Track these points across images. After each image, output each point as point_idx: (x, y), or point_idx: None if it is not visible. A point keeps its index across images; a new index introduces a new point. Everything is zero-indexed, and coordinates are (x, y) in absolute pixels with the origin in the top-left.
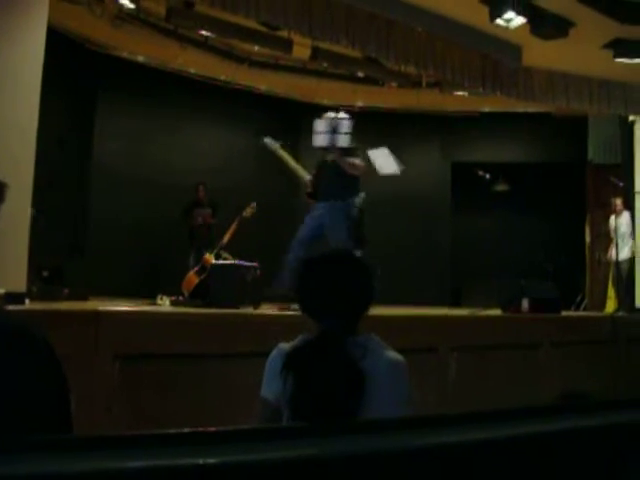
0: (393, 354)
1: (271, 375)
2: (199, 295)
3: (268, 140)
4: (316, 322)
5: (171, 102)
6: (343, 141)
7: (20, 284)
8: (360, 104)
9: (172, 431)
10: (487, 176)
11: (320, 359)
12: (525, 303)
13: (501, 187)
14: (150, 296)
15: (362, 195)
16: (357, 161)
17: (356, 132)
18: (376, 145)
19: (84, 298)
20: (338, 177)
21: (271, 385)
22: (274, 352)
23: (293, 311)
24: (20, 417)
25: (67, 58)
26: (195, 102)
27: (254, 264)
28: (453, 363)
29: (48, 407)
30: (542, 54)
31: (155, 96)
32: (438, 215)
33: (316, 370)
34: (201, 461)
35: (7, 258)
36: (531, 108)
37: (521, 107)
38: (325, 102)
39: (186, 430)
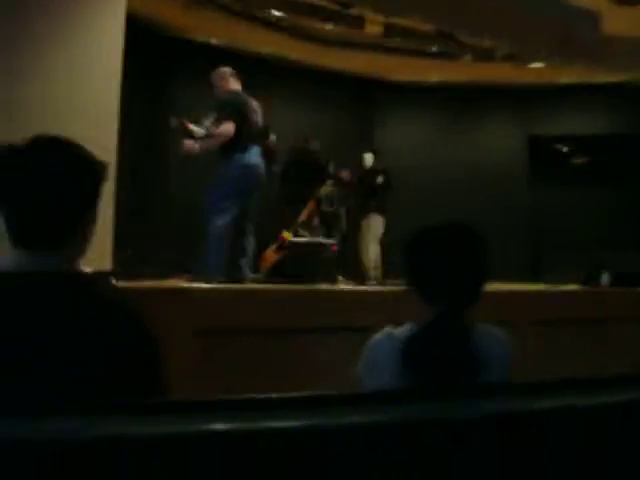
0: (507, 341)
1: (378, 365)
2: (277, 272)
3: (174, 121)
4: (428, 304)
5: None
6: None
7: (106, 263)
8: (434, 79)
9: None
10: (565, 149)
11: (443, 350)
12: (605, 277)
13: (580, 160)
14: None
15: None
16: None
17: (430, 107)
18: (452, 120)
19: (167, 276)
20: None
21: (378, 376)
22: (380, 339)
23: (370, 287)
24: (115, 380)
25: (143, 44)
26: (268, 83)
27: (330, 241)
28: (531, 337)
29: (140, 373)
30: (621, 21)
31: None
32: (515, 189)
33: (439, 363)
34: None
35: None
36: (610, 78)
37: (599, 77)
38: (399, 78)
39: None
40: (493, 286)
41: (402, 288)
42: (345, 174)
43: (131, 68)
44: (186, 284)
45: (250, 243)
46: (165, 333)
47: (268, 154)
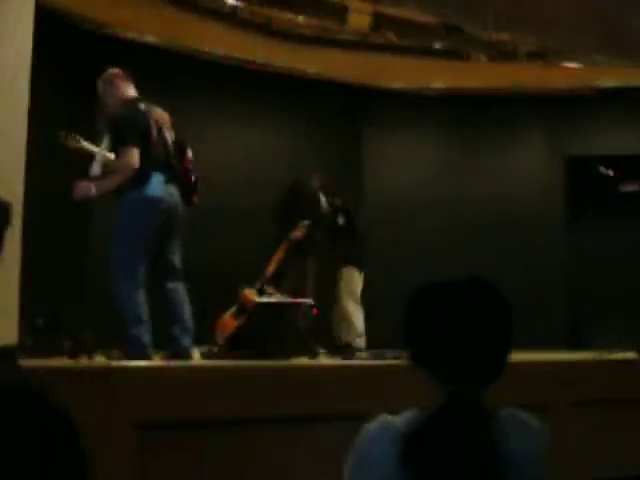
0: (541, 431)
1: (371, 464)
2: (238, 344)
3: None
4: (436, 382)
5: (192, 91)
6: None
7: (10, 335)
8: (439, 85)
9: None
10: (611, 173)
11: (456, 444)
12: None
13: (631, 187)
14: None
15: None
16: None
17: (434, 122)
18: (463, 138)
19: (90, 351)
20: None
21: (372, 476)
22: (375, 430)
23: (362, 361)
24: None
25: (59, 41)
26: (223, 91)
27: (309, 301)
28: (572, 425)
29: None
30: None
31: (170, 83)
32: (548, 228)
33: (450, 462)
34: None
35: None
36: None
37: None
38: (395, 85)
39: None
40: (520, 356)
41: (401, 362)
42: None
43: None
44: (117, 362)
45: (180, 301)
46: (98, 426)
47: (187, 177)
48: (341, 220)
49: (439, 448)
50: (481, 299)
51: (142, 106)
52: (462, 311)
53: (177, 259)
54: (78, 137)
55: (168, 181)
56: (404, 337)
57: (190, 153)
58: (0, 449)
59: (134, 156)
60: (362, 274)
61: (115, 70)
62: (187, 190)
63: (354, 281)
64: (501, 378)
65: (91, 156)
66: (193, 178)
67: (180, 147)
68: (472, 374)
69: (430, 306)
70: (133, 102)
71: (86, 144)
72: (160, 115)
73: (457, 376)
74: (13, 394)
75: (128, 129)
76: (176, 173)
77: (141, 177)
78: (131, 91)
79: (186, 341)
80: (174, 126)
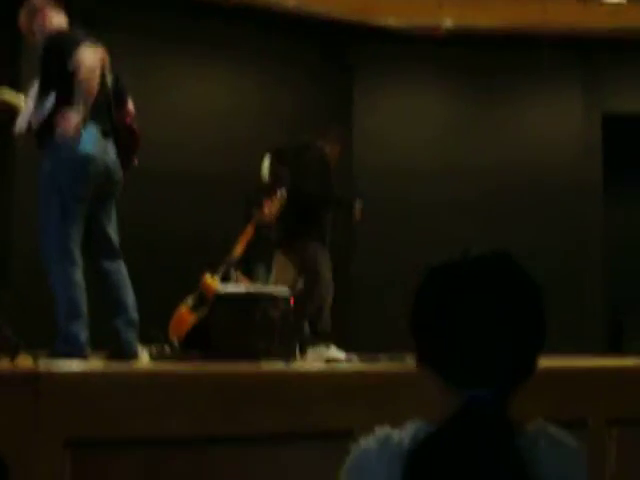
0: (578, 451)
1: None
2: (196, 343)
3: None
4: (448, 386)
5: (139, 26)
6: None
7: None
8: (448, 24)
9: None
10: None
11: (472, 465)
12: None
13: None
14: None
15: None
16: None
17: (443, 69)
18: (477, 89)
19: (12, 351)
20: None
21: None
22: (371, 447)
23: (351, 365)
24: None
25: None
26: (180, 27)
27: (284, 290)
28: (611, 444)
29: None
30: None
31: (111, 16)
32: (582, 202)
33: None
34: None
35: None
36: None
37: None
38: (391, 22)
39: None
40: (552, 361)
41: (400, 366)
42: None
43: None
44: (46, 365)
45: (122, 286)
46: (24, 443)
47: (127, 134)
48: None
49: (451, 468)
50: (506, 281)
51: (75, 35)
52: (482, 297)
53: (114, 233)
54: None
55: (105, 135)
56: (410, 331)
57: (131, 104)
58: None
59: (90, 56)
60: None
61: None
62: (125, 149)
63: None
64: (529, 383)
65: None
66: (133, 134)
67: (119, 96)
68: (494, 376)
69: (441, 291)
70: (68, 32)
71: (8, 95)
72: (99, 49)
73: (475, 378)
74: None
75: (64, 55)
76: (113, 127)
77: None
78: (63, 22)
79: (130, 336)
80: (113, 69)
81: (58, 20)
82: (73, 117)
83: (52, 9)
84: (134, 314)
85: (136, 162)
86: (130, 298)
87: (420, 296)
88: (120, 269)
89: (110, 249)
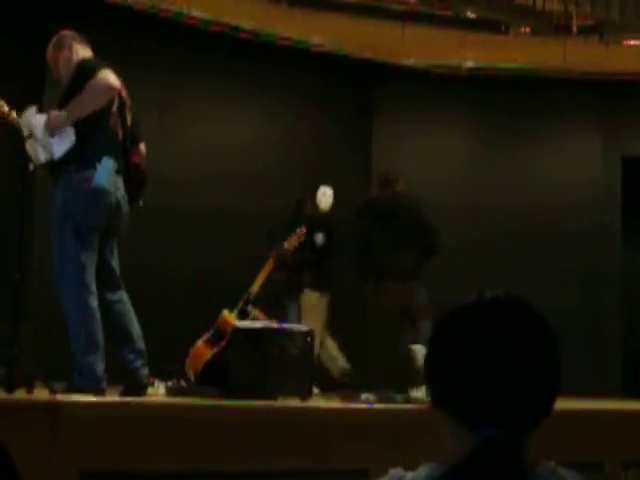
0: None
1: None
2: (212, 378)
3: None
4: (461, 428)
5: (171, 64)
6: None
7: None
8: (470, 64)
9: None
10: None
11: None
12: None
13: None
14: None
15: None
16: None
17: (462, 108)
18: (497, 130)
19: (29, 382)
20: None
21: None
22: None
23: (368, 403)
24: None
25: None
26: (202, 61)
27: (303, 328)
28: None
29: None
30: None
31: (143, 54)
32: (601, 244)
33: None
34: None
35: None
36: None
37: None
38: (413, 62)
39: None
40: (568, 404)
41: (416, 406)
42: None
43: None
44: (59, 397)
45: (127, 316)
46: (39, 475)
47: (136, 173)
48: (320, 239)
49: None
50: (520, 324)
51: (101, 64)
52: (496, 340)
53: (116, 265)
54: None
55: (118, 171)
56: (426, 373)
57: (143, 146)
58: None
59: (111, 76)
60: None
61: (71, 32)
62: (133, 189)
63: (312, 307)
64: (544, 426)
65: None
66: (141, 174)
67: (133, 136)
68: (509, 418)
69: (455, 334)
70: (97, 60)
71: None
72: (123, 91)
73: (490, 421)
74: None
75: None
76: (127, 165)
77: (88, 158)
78: (87, 53)
79: (139, 365)
80: (132, 107)
81: (84, 53)
82: (61, 119)
83: (79, 43)
84: (140, 344)
85: (141, 203)
86: (135, 328)
87: (436, 339)
88: (122, 299)
89: (112, 281)
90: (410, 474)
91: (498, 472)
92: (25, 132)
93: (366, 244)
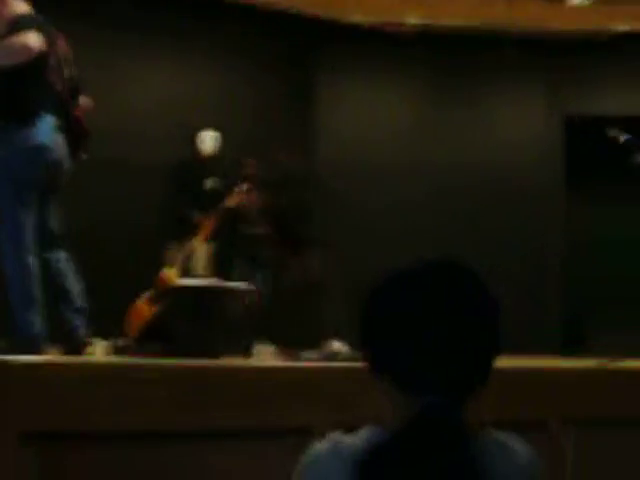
0: (529, 457)
1: None
2: (153, 337)
3: None
4: (401, 392)
5: (111, 19)
6: None
7: None
8: (413, 20)
9: None
10: (623, 138)
11: (424, 469)
12: None
13: None
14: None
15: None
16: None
17: (407, 67)
18: (441, 88)
19: None
20: None
21: None
22: (321, 453)
23: (310, 362)
24: None
25: None
26: (141, 17)
27: (246, 286)
28: (569, 445)
29: None
30: None
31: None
32: (543, 204)
33: None
34: None
35: None
36: None
37: None
38: (358, 19)
39: None
40: (508, 362)
41: (358, 365)
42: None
43: None
44: (1, 356)
45: (65, 274)
46: None
47: (77, 129)
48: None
49: (404, 475)
50: (458, 287)
51: (40, 21)
52: (434, 303)
53: (56, 223)
54: None
55: (59, 129)
56: (361, 338)
57: (85, 99)
58: None
59: (33, 38)
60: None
61: None
62: (74, 143)
63: None
64: (484, 388)
65: None
66: (82, 129)
67: (73, 88)
68: (449, 383)
69: (392, 298)
70: (28, 16)
71: None
72: (61, 43)
73: (430, 386)
74: None
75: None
76: (67, 119)
77: (27, 113)
78: (26, 10)
79: (78, 324)
80: (73, 61)
81: (21, 8)
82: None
83: None
84: (80, 303)
85: (84, 156)
86: (75, 287)
87: (373, 303)
88: (62, 258)
89: (52, 240)
90: (350, 437)
91: (439, 438)
92: None
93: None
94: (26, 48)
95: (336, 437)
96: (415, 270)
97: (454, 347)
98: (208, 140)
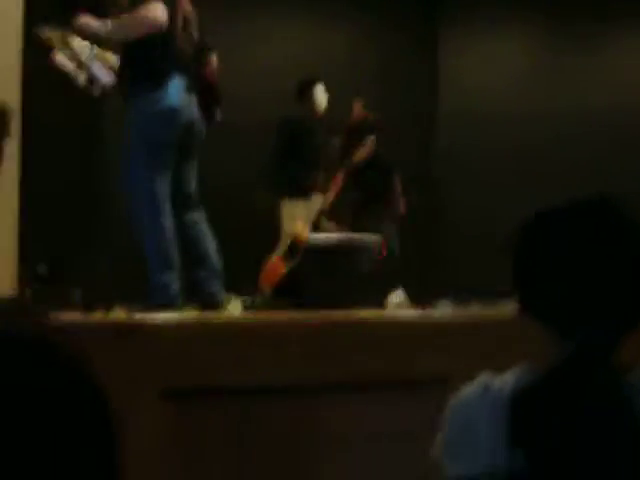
0: None
1: (472, 434)
2: (288, 293)
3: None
4: (552, 334)
5: None
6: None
7: (7, 285)
8: None
9: None
10: None
11: (579, 415)
12: None
13: None
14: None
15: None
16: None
17: (527, 13)
18: (562, 36)
19: (106, 303)
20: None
21: (470, 457)
22: (471, 396)
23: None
24: None
25: None
26: None
27: (374, 238)
28: None
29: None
30: None
31: None
32: None
33: (571, 436)
34: None
35: None
36: None
37: None
38: None
39: None
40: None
41: (498, 310)
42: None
43: None
44: (140, 316)
45: (202, 237)
46: (119, 396)
47: (208, 90)
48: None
49: (556, 415)
50: (612, 226)
51: None
52: (588, 242)
53: (193, 185)
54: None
55: (189, 90)
56: (513, 278)
57: (215, 60)
58: (9, 430)
59: (160, 9)
60: None
61: None
62: (208, 105)
63: None
64: (636, 330)
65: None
66: (214, 90)
67: (203, 51)
68: (601, 321)
69: (548, 236)
70: None
71: (71, 39)
72: (187, 5)
73: (580, 324)
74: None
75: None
76: (198, 81)
77: (157, 77)
78: None
79: (214, 286)
80: (199, 23)
81: None
82: (97, 28)
83: None
84: (215, 264)
85: (219, 117)
86: (211, 248)
87: (525, 242)
88: (199, 220)
89: (188, 201)
90: (499, 378)
91: (590, 378)
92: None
93: None
94: (154, 21)
95: (485, 379)
96: (568, 209)
97: (608, 287)
98: (321, 94)
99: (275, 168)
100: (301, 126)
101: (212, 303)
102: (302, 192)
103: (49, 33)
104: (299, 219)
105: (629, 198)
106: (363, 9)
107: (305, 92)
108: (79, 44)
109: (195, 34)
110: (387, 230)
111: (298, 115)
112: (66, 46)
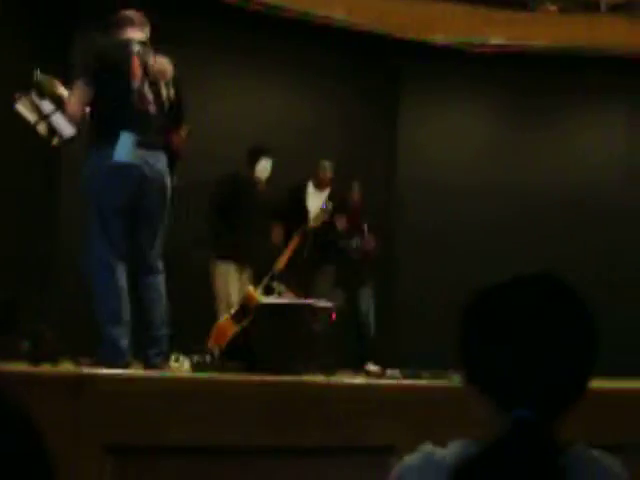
0: (621, 474)
1: None
2: (237, 354)
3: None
4: (493, 406)
5: (200, 39)
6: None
7: None
8: (497, 40)
9: None
10: None
11: None
12: None
13: None
14: None
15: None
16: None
17: (490, 87)
18: (524, 108)
19: (54, 356)
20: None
21: None
22: (415, 464)
23: (393, 379)
24: None
25: None
26: (234, 39)
27: (326, 304)
28: None
29: None
30: None
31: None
32: (626, 222)
33: None
34: None
35: None
36: None
37: None
38: (438, 39)
39: None
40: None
41: (443, 383)
42: None
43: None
44: (88, 370)
45: (151, 304)
46: (64, 448)
47: (170, 157)
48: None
49: None
50: (556, 302)
51: (130, 43)
52: (532, 319)
53: (150, 251)
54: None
55: (144, 144)
56: (458, 351)
57: (184, 131)
58: None
59: (72, 102)
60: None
61: (131, 13)
62: (170, 158)
63: None
64: (578, 406)
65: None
66: (176, 156)
67: (177, 116)
68: (542, 398)
69: (491, 310)
70: (118, 39)
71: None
72: (159, 62)
73: (523, 400)
74: None
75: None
76: (165, 140)
77: (106, 136)
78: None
79: (151, 353)
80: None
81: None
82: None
83: (129, 25)
84: (159, 331)
85: (174, 183)
86: (158, 315)
87: (469, 317)
88: (153, 285)
89: (143, 264)
90: (441, 450)
91: (530, 452)
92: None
93: None
94: (72, 118)
95: (428, 449)
96: (513, 285)
97: (550, 363)
98: (264, 166)
99: (208, 228)
100: (243, 183)
101: (148, 366)
102: (230, 254)
103: (40, 77)
104: (231, 281)
105: (580, 271)
106: (329, 77)
107: (251, 159)
108: (62, 93)
109: (168, 91)
110: (338, 295)
111: (244, 174)
112: (53, 93)
